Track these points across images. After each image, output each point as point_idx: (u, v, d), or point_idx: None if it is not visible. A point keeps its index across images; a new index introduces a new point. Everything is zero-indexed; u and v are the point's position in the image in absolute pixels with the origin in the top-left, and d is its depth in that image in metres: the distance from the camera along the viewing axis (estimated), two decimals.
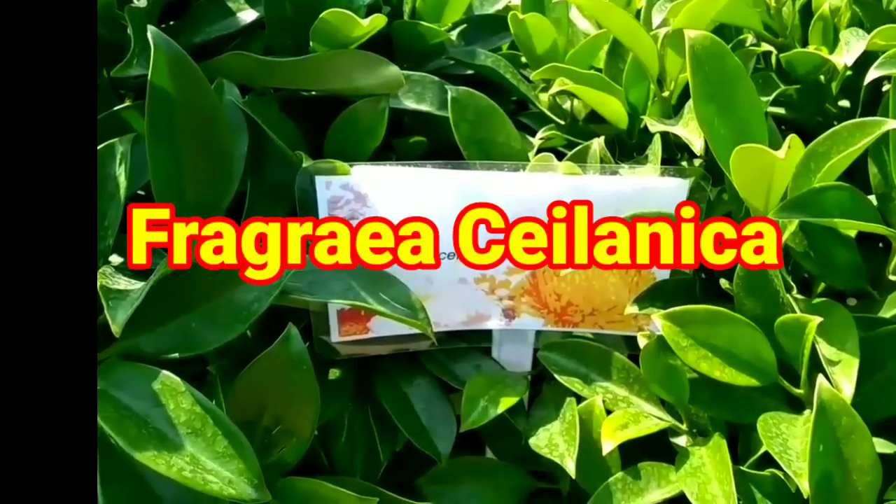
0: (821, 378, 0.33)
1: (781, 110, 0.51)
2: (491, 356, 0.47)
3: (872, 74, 0.38)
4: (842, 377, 0.34)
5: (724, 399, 0.40)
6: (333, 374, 0.45)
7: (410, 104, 0.46)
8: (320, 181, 0.38)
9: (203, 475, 0.30)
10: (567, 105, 0.59)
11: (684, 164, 0.50)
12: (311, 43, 0.41)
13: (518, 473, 0.46)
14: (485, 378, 0.44)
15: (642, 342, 0.41)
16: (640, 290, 0.44)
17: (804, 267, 0.42)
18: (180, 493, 0.32)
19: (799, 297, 0.41)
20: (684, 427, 0.42)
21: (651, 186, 0.42)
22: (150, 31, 0.31)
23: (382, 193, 0.40)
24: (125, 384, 0.31)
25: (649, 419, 0.40)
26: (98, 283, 0.29)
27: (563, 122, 0.58)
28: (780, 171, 0.34)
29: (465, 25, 0.58)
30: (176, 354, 0.34)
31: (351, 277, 0.38)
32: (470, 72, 0.56)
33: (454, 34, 0.57)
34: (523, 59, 0.61)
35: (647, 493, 0.40)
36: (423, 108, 0.47)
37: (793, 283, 0.43)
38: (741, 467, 0.39)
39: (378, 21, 0.40)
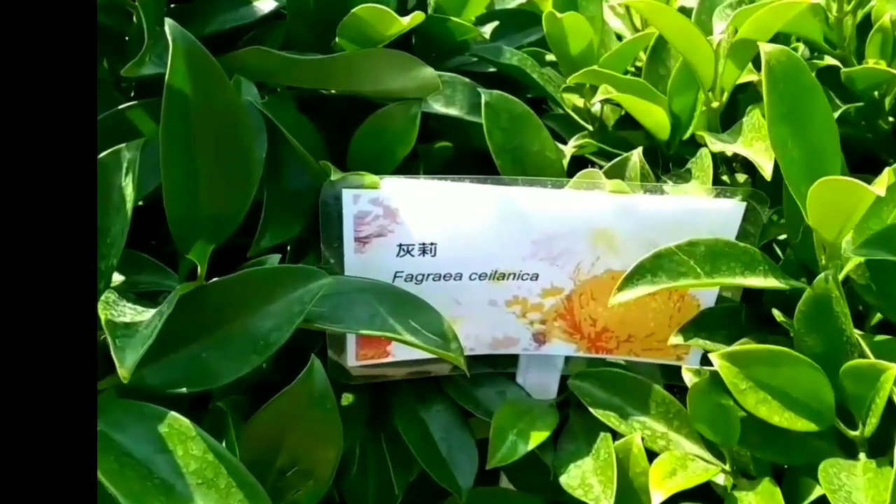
0: None
1: None
2: (515, 381, 0.44)
3: None
4: None
5: (775, 441, 0.37)
6: (346, 399, 0.41)
7: (439, 108, 0.43)
8: (347, 195, 0.34)
9: None
10: (595, 109, 0.56)
11: (725, 178, 0.47)
12: (336, 39, 0.37)
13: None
14: (512, 408, 0.41)
15: (689, 378, 0.38)
16: (683, 316, 0.41)
17: (862, 298, 0.39)
18: None
19: (858, 332, 0.37)
20: (727, 468, 0.38)
21: (704, 208, 0.38)
22: (168, 24, 0.27)
23: (414, 209, 0.36)
24: (127, 426, 0.28)
25: (696, 462, 0.37)
26: (102, 316, 0.25)
27: (590, 128, 0.54)
28: (864, 204, 0.31)
29: (492, 22, 0.54)
30: (184, 389, 0.30)
31: (377, 302, 0.34)
32: (492, 70, 0.52)
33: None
34: (547, 57, 0.57)
35: None
36: (453, 112, 0.43)
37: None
38: None
39: (417, 18, 0.36)
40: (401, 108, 0.39)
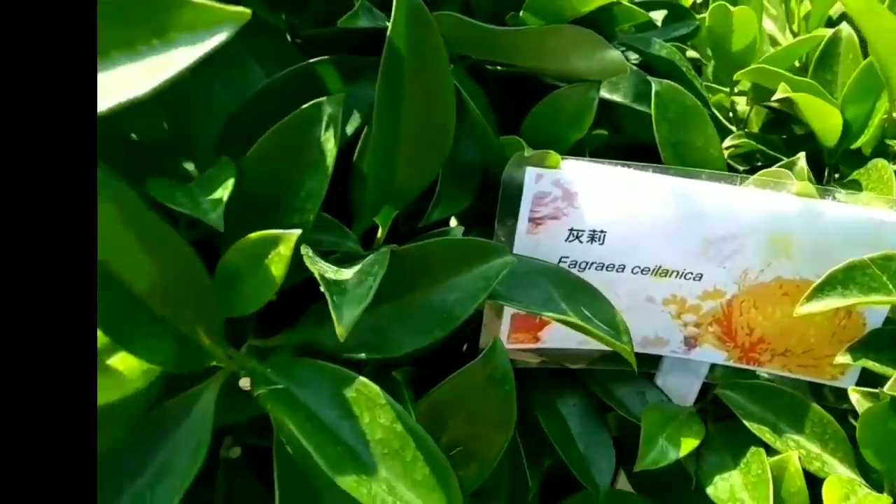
0: None
1: None
2: (653, 382, 0.42)
3: None
4: None
5: None
6: None
7: (604, 93, 0.41)
8: (531, 173, 0.33)
9: None
10: (741, 110, 0.54)
11: None
12: (521, 13, 0.36)
13: None
14: (658, 412, 0.39)
15: (857, 400, 0.36)
16: (846, 335, 0.39)
17: None
18: None
19: None
20: (886, 498, 0.36)
21: (893, 221, 0.36)
22: None
23: (591, 194, 0.34)
24: (312, 388, 0.27)
25: (864, 489, 0.35)
26: (315, 271, 0.25)
27: (733, 129, 0.52)
28: None
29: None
30: (363, 355, 0.29)
31: (552, 285, 0.33)
32: (635, 60, 0.50)
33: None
34: (687, 54, 0.55)
35: None
36: (617, 98, 0.42)
37: None
38: None
39: None
40: (578, 91, 0.37)
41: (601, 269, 0.37)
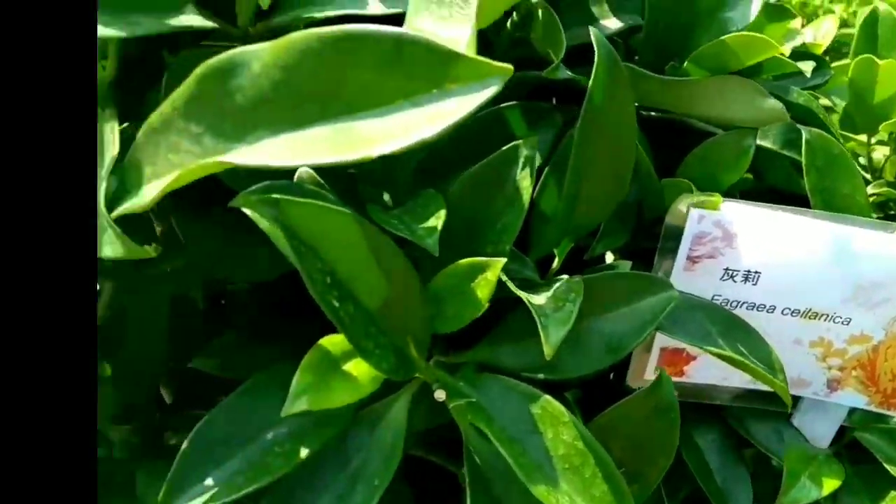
0: None
1: None
2: (790, 422, 0.43)
3: None
4: None
5: None
6: None
7: (749, 140, 0.43)
8: (694, 213, 0.35)
9: None
10: (877, 159, 0.55)
11: None
12: (685, 63, 0.38)
13: None
14: (799, 451, 0.40)
15: None
16: None
17: None
18: None
19: None
20: None
21: None
22: (593, 32, 0.29)
23: (750, 236, 0.36)
24: (501, 402, 0.29)
25: None
26: (522, 294, 0.27)
27: (868, 177, 0.53)
28: None
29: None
30: (541, 375, 0.31)
31: (709, 321, 0.35)
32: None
33: None
34: (821, 101, 0.56)
35: None
36: (767, 144, 0.43)
37: None
38: None
39: (782, 48, 0.36)
40: (734, 138, 0.39)
41: (752, 309, 0.38)
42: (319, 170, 0.29)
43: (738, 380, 0.40)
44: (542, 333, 0.26)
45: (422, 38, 0.21)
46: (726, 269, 0.37)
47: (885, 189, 0.47)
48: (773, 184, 0.48)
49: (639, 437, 0.32)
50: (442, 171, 0.32)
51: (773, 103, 0.37)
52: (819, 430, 0.43)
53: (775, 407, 0.43)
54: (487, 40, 0.40)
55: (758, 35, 0.36)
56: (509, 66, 0.21)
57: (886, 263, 0.37)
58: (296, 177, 0.29)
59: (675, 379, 0.41)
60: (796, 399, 0.43)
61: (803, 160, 0.41)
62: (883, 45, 0.54)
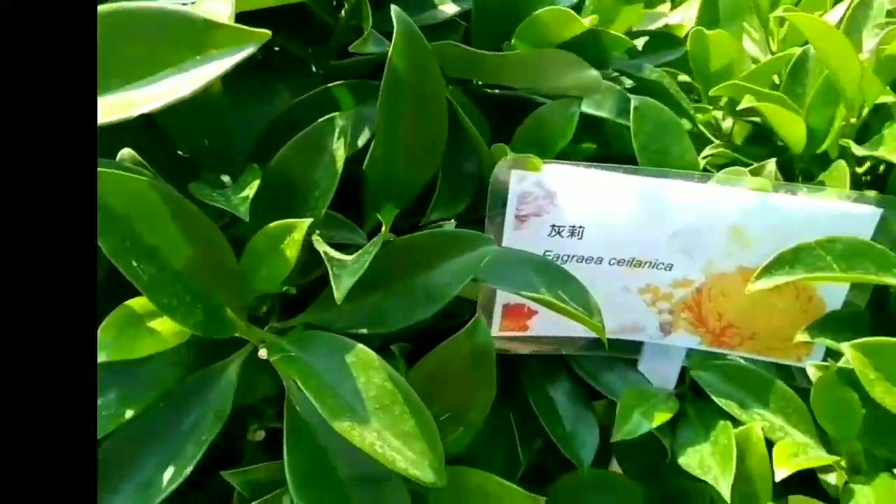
0: None
1: None
2: (637, 369, 0.47)
3: None
4: None
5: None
6: None
7: (589, 110, 0.46)
8: (515, 175, 0.38)
9: (391, 452, 0.30)
10: (726, 126, 0.58)
11: None
12: (512, 41, 0.41)
13: (651, 495, 0.46)
14: (636, 391, 0.44)
15: (813, 372, 0.40)
16: (808, 317, 0.43)
17: None
18: (356, 468, 0.33)
19: None
20: (843, 463, 0.40)
21: (841, 212, 0.41)
22: (393, 10, 0.32)
23: (570, 193, 0.40)
24: (317, 354, 0.32)
25: (815, 450, 0.39)
26: (320, 248, 0.30)
27: (718, 142, 0.57)
28: None
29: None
30: (364, 330, 0.34)
31: (533, 272, 0.38)
32: (630, 84, 0.56)
33: None
34: (679, 78, 0.60)
35: None
36: (602, 114, 0.47)
37: None
38: None
39: (595, 20, 0.40)
40: (561, 106, 0.42)
41: (581, 262, 0.41)
42: (160, 156, 0.32)
43: (581, 330, 0.44)
44: (333, 282, 0.29)
45: (183, 12, 0.24)
46: (552, 225, 0.40)
47: (720, 150, 0.50)
48: (621, 152, 0.51)
49: (460, 381, 0.35)
50: (272, 151, 0.35)
51: (592, 73, 0.41)
52: (662, 372, 0.46)
53: (621, 354, 0.46)
54: (328, 27, 0.43)
55: (564, 9, 0.39)
56: (265, 32, 0.24)
57: (699, 210, 0.41)
58: (118, 156, 0.32)
59: (520, 333, 0.44)
60: (638, 345, 0.46)
61: (632, 125, 0.45)
62: (724, 18, 0.58)
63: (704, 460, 0.41)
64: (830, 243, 0.38)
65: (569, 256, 0.41)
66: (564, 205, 0.40)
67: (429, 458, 0.30)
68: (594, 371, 0.46)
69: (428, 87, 0.34)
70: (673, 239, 0.41)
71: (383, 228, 0.36)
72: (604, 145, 0.49)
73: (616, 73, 0.55)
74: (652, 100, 0.46)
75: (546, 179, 0.39)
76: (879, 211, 0.40)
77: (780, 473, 0.37)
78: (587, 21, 0.39)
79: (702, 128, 0.55)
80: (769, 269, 0.38)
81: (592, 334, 0.44)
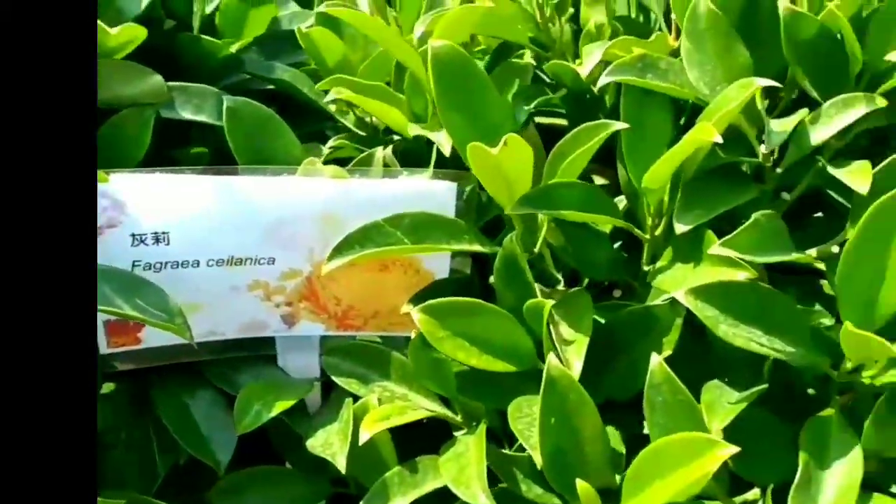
0: (550, 356, 0.36)
1: (560, 121, 0.55)
2: (277, 365, 0.48)
3: (603, 80, 0.41)
4: (573, 355, 0.37)
5: (490, 388, 0.41)
6: (108, 387, 0.44)
7: (187, 115, 0.47)
8: None
9: None
10: (370, 119, 0.61)
11: None
12: None
13: (311, 481, 0.46)
14: (263, 384, 0.44)
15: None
16: (420, 289, 0.46)
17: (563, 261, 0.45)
18: None
19: (551, 290, 0.43)
20: (459, 419, 0.43)
21: (421, 189, 0.43)
22: None
23: (142, 201, 0.39)
24: None
25: (417, 411, 0.42)
26: None
27: (363, 134, 0.59)
28: (508, 168, 0.36)
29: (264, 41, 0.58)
30: None
31: (105, 282, 0.37)
32: (271, 87, 0.57)
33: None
34: None
35: (423, 484, 0.41)
36: (201, 118, 0.47)
37: (560, 277, 0.46)
38: (506, 451, 0.41)
39: (131, 32, 0.40)
40: (135, 113, 0.42)
41: (177, 267, 0.41)
42: None
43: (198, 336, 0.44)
44: None
45: None
46: (133, 234, 0.40)
47: (341, 142, 0.52)
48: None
49: None
50: None
51: (155, 80, 0.41)
52: (301, 363, 0.47)
53: (253, 352, 0.47)
54: None
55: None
56: None
57: (287, 204, 0.42)
58: None
59: (133, 347, 0.43)
60: (272, 340, 0.47)
61: (225, 126, 0.46)
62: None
63: (329, 438, 0.43)
64: (398, 219, 0.41)
65: (161, 264, 0.41)
66: (140, 213, 0.40)
67: None
68: (230, 374, 0.46)
69: None
70: (268, 234, 0.42)
71: None
72: (220, 145, 0.50)
73: (248, 76, 0.56)
74: (246, 99, 0.47)
75: (112, 189, 0.39)
76: (454, 185, 0.43)
77: (364, 436, 0.39)
78: (116, 30, 0.39)
79: (346, 122, 0.57)
80: (339, 250, 0.40)
81: (217, 337, 0.45)
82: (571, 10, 0.51)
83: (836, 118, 0.39)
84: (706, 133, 0.35)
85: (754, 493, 0.38)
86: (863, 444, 0.35)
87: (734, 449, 0.32)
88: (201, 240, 0.41)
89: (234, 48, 0.51)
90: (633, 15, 0.54)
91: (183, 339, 0.43)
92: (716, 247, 0.34)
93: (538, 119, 0.53)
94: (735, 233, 0.35)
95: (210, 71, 0.54)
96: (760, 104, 0.39)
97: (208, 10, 0.57)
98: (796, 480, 0.35)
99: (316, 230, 0.43)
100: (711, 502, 0.37)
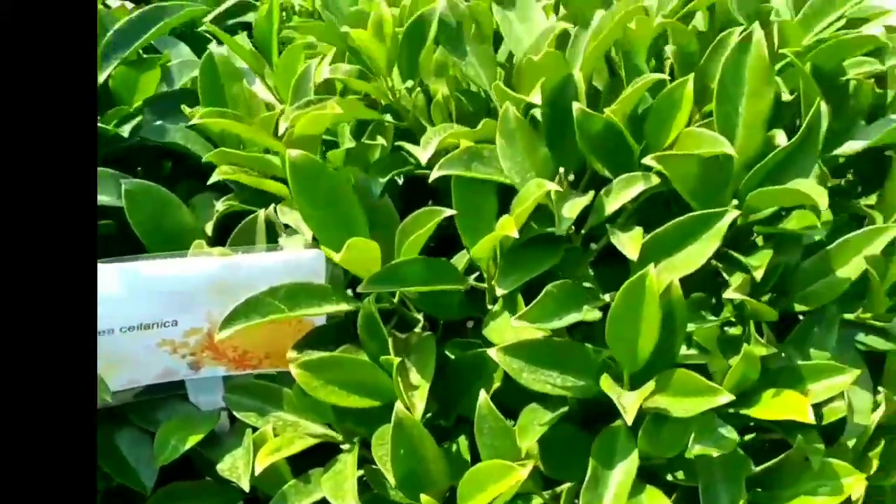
0: (397, 405, 0.46)
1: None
2: (189, 402, 0.57)
3: (435, 174, 0.50)
4: (417, 400, 0.48)
5: (361, 416, 0.52)
6: None
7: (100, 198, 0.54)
8: None
9: None
10: None
11: None
12: None
13: (224, 492, 0.56)
14: (178, 421, 0.54)
15: (297, 373, 0.52)
16: (302, 334, 0.55)
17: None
18: None
19: (407, 334, 0.54)
20: (341, 438, 0.54)
21: (294, 258, 0.53)
22: None
23: None
24: None
25: (304, 440, 0.52)
26: None
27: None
28: (355, 261, 0.47)
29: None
30: None
31: None
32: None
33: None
34: None
35: (315, 493, 0.52)
36: (104, 200, 0.55)
37: (420, 318, 0.56)
38: (375, 466, 0.52)
39: None
40: None
41: (101, 335, 0.50)
42: None
43: (118, 384, 0.52)
44: None
45: None
46: None
47: (230, 203, 0.60)
48: None
49: None
50: None
51: None
52: (209, 399, 0.57)
53: (169, 394, 0.56)
54: None
55: None
56: None
57: (179, 278, 0.51)
58: None
59: None
60: (183, 383, 0.56)
61: (125, 206, 0.54)
62: (224, 76, 0.66)
63: (234, 463, 0.53)
64: (275, 291, 0.50)
65: None
66: None
67: None
68: (150, 413, 0.56)
69: None
70: (168, 301, 0.51)
71: None
72: (120, 222, 0.57)
73: (143, 140, 0.63)
74: (143, 182, 0.55)
75: None
76: (322, 252, 0.52)
77: (258, 469, 0.49)
78: None
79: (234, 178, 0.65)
80: (229, 320, 0.49)
81: (136, 385, 0.54)
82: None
83: (622, 192, 0.50)
84: (508, 227, 0.46)
85: (565, 486, 0.50)
86: (639, 447, 0.48)
87: (528, 470, 0.43)
88: (114, 312, 0.50)
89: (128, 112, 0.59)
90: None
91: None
92: (513, 319, 0.45)
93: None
94: (529, 306, 0.46)
95: (107, 140, 0.61)
96: (560, 190, 0.50)
97: (101, 79, 0.64)
98: (586, 480, 0.47)
99: (209, 298, 0.52)
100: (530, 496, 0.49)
